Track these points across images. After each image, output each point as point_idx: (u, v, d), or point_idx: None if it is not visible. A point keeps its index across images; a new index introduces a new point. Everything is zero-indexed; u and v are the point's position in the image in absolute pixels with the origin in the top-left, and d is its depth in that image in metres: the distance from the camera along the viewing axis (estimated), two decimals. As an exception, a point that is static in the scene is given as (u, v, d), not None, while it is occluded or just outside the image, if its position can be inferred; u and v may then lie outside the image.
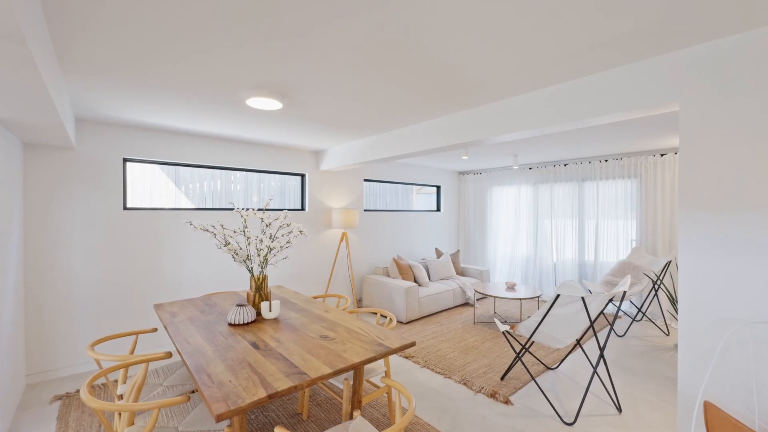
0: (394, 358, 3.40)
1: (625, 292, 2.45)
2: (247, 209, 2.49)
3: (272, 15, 1.48)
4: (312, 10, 1.45)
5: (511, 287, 4.57)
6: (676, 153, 4.40)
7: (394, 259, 4.97)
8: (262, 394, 1.34)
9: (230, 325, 2.16)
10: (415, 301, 4.49)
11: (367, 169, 5.39)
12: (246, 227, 2.33)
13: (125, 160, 3.41)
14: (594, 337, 3.94)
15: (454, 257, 5.82)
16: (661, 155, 4.51)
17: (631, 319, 4.46)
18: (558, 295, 2.42)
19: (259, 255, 2.34)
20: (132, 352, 2.22)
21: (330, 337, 1.95)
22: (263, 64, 1.96)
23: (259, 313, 2.36)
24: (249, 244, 2.35)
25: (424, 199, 6.56)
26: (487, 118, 2.68)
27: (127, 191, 3.45)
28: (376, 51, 1.81)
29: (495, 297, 4.27)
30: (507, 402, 2.61)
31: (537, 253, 5.78)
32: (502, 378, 2.95)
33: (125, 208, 3.39)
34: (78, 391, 2.80)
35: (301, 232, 2.40)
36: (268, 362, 1.61)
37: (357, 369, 1.97)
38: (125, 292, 3.36)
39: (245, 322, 2.17)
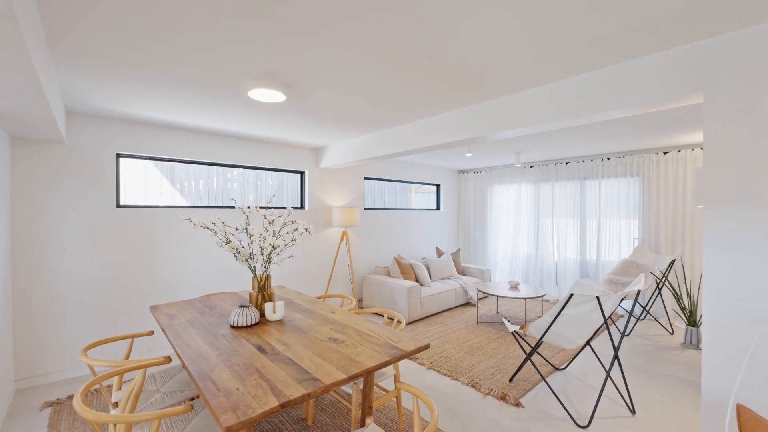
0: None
1: (639, 291, 2.39)
2: (249, 207, 2.39)
3: (280, 14, 1.40)
4: (322, 10, 1.38)
5: (514, 286, 4.50)
6: (679, 151, 4.37)
7: (395, 258, 4.88)
8: (273, 403, 1.24)
9: (232, 327, 2.05)
10: (417, 301, 4.41)
11: (368, 167, 5.29)
12: (249, 224, 2.23)
13: (118, 156, 3.27)
14: (599, 337, 3.90)
15: (455, 256, 5.75)
16: (664, 153, 4.48)
17: (636, 319, 4.43)
18: (572, 294, 2.35)
19: (262, 253, 2.23)
20: (127, 357, 2.10)
21: (340, 339, 1.85)
22: (269, 54, 1.86)
23: (262, 315, 2.26)
24: (252, 243, 2.24)
25: (422, 197, 6.48)
26: (494, 114, 2.60)
27: (120, 188, 3.32)
28: (382, 48, 1.81)
29: (498, 296, 4.20)
30: (517, 404, 2.54)
31: (538, 252, 5.73)
32: (511, 379, 2.88)
33: (118, 206, 3.25)
34: (69, 397, 2.67)
35: (306, 229, 2.30)
36: (277, 367, 1.52)
37: (369, 373, 1.88)
38: (120, 292, 3.22)
39: (248, 324, 2.06)
